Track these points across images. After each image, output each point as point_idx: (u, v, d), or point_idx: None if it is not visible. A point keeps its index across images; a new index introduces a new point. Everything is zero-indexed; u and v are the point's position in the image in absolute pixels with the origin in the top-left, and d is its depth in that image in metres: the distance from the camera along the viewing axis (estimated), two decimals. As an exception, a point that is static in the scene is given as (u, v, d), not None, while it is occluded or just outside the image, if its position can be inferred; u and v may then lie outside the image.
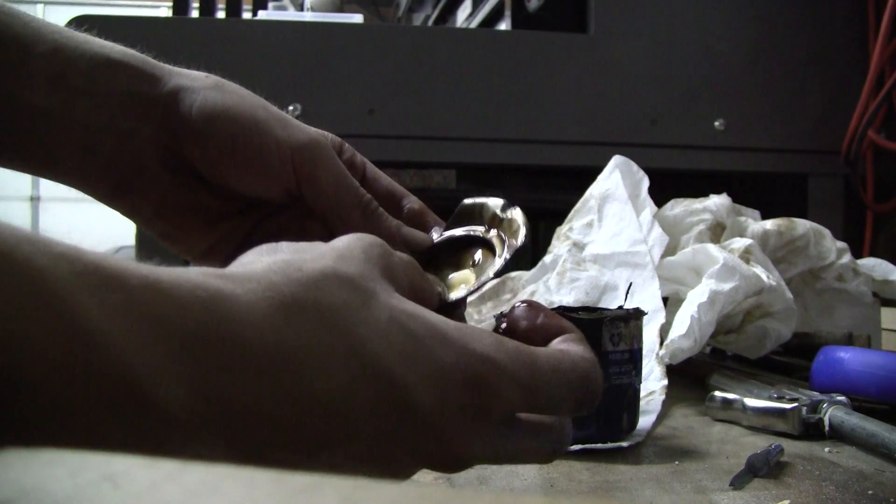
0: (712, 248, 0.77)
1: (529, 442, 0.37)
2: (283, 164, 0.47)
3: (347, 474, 0.33)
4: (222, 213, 0.50)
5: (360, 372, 0.32)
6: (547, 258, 0.91)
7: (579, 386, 0.37)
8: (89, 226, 6.51)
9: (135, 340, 0.27)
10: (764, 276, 0.76)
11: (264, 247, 0.35)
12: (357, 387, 0.32)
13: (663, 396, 0.68)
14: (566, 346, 0.39)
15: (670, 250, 0.83)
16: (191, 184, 0.48)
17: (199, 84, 0.49)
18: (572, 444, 0.55)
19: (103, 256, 0.27)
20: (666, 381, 0.70)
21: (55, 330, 0.25)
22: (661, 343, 0.73)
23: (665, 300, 0.80)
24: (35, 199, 6.71)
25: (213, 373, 0.29)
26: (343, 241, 0.36)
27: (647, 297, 0.76)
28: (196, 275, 0.30)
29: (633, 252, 0.82)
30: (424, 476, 0.51)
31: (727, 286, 0.73)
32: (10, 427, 0.24)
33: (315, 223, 0.50)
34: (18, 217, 6.68)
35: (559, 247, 0.89)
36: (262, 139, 0.47)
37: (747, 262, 0.79)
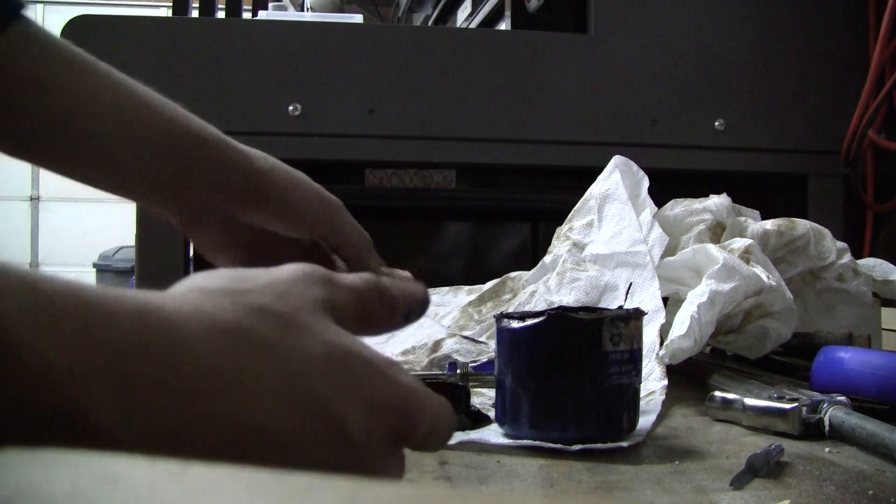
0: (712, 249, 0.77)
1: (401, 475, 0.41)
2: (322, 218, 0.56)
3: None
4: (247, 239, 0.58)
5: (297, 401, 0.33)
6: (547, 258, 0.91)
7: (447, 430, 0.42)
8: (89, 226, 6.52)
9: (61, 350, 0.27)
10: (764, 276, 0.76)
11: (207, 273, 0.36)
12: (292, 415, 0.33)
13: (663, 396, 0.68)
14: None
15: (670, 250, 0.83)
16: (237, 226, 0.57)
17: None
18: (572, 444, 0.55)
19: (31, 270, 0.27)
20: (666, 382, 0.70)
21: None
22: (661, 343, 0.73)
23: (665, 300, 0.80)
24: (35, 199, 6.71)
25: (146, 389, 0.29)
26: (287, 274, 0.38)
27: (647, 298, 0.76)
28: (129, 292, 0.31)
29: (633, 252, 0.82)
30: (424, 476, 0.51)
31: (727, 286, 0.73)
32: None
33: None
34: (18, 217, 6.68)
35: (559, 247, 0.89)
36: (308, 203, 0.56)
37: (747, 262, 0.79)
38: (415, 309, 0.44)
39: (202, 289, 0.34)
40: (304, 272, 0.38)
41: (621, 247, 0.83)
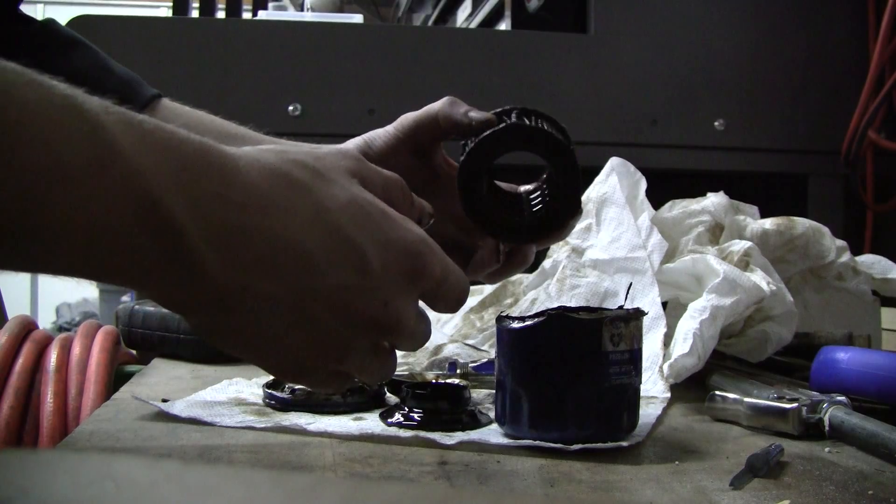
0: (712, 260, 0.77)
1: (425, 329, 0.48)
2: None
3: (316, 321, 0.43)
4: None
5: (325, 230, 0.42)
6: (546, 263, 0.91)
7: (459, 294, 0.49)
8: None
9: (149, 157, 0.36)
10: (764, 285, 0.76)
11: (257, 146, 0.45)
12: (322, 241, 0.42)
13: (664, 405, 0.68)
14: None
15: (669, 252, 0.83)
16: None
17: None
18: (572, 444, 0.55)
19: (120, 108, 0.37)
20: (668, 395, 0.70)
21: (87, 137, 0.34)
22: (664, 354, 0.73)
23: (665, 304, 0.80)
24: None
25: (207, 194, 0.38)
26: (326, 148, 0.47)
27: (646, 304, 0.76)
28: (200, 137, 0.40)
29: (632, 258, 0.82)
30: (424, 476, 0.51)
31: (728, 301, 0.73)
32: (48, 211, 0.34)
33: None
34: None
35: (558, 252, 0.89)
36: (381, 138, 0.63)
37: (746, 265, 0.79)
38: (426, 216, 0.52)
39: (254, 147, 0.43)
40: (340, 149, 0.47)
41: (620, 252, 0.83)
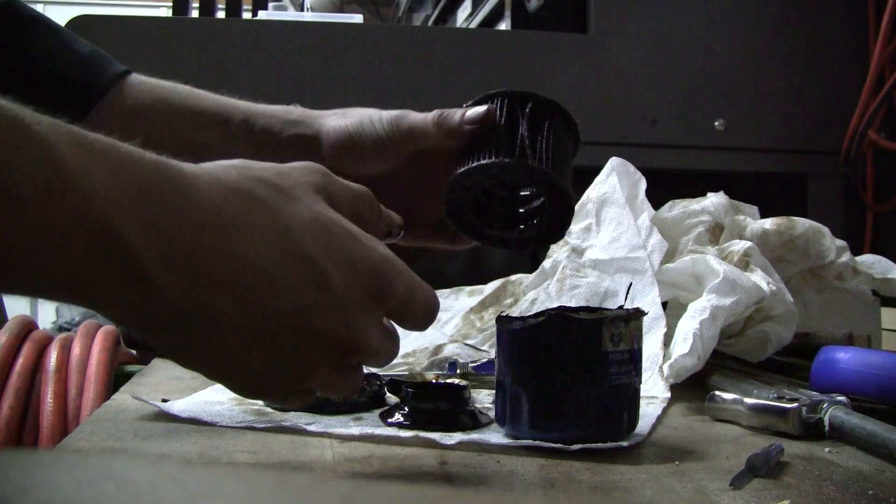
0: (712, 260, 0.77)
1: (390, 347, 0.48)
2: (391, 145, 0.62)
3: (276, 341, 0.42)
4: None
5: (285, 249, 0.41)
6: (546, 263, 0.91)
7: (427, 312, 0.48)
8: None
9: (101, 180, 0.36)
10: (764, 285, 0.76)
11: (222, 161, 0.44)
12: (282, 260, 0.41)
13: (664, 405, 0.68)
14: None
15: (669, 252, 0.83)
16: None
17: (332, 119, 0.66)
18: (572, 444, 0.55)
19: (75, 128, 0.37)
20: (668, 395, 0.70)
21: (36, 161, 0.34)
22: (664, 354, 0.73)
23: (665, 304, 0.80)
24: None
25: (163, 216, 0.38)
26: (291, 164, 0.46)
27: (646, 304, 0.76)
28: (156, 156, 0.39)
29: (632, 258, 0.82)
30: (424, 476, 0.51)
31: (728, 301, 0.73)
32: (1, 236, 0.34)
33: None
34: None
35: (558, 252, 0.89)
36: (370, 136, 0.63)
37: (746, 265, 0.79)
38: (395, 228, 0.52)
39: (215, 163, 0.43)
40: (306, 164, 0.47)
41: (620, 252, 0.83)
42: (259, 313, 0.41)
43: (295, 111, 0.67)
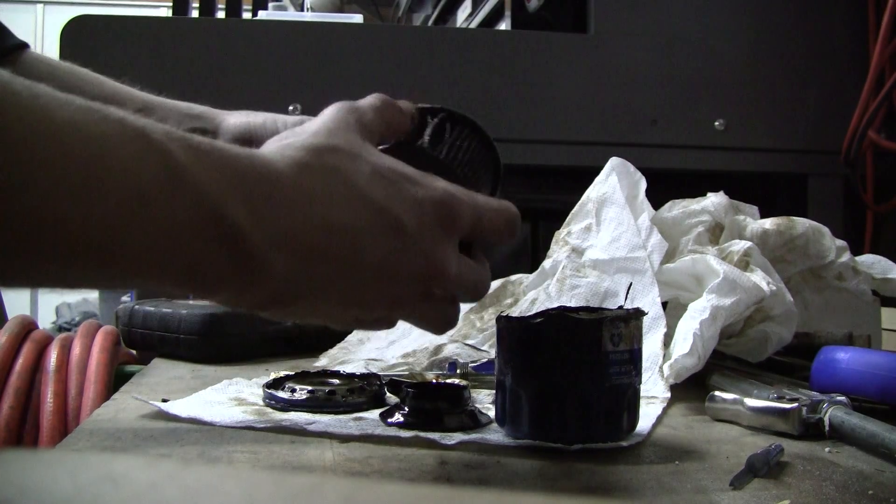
0: (712, 260, 0.77)
1: (474, 272, 0.53)
2: None
3: (356, 294, 0.48)
4: None
5: (361, 206, 0.47)
6: (546, 263, 0.91)
7: (505, 221, 0.53)
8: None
9: (210, 175, 0.41)
10: (764, 285, 0.76)
11: (273, 139, 0.49)
12: (359, 217, 0.46)
13: (664, 405, 0.68)
14: (500, 200, 0.54)
15: (669, 252, 0.83)
16: None
17: (234, 115, 0.68)
18: (572, 444, 0.55)
19: (171, 127, 0.42)
20: (668, 395, 0.70)
21: (158, 163, 0.39)
22: (664, 354, 0.73)
23: (665, 304, 0.80)
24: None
25: (261, 199, 0.43)
26: (325, 115, 0.51)
27: (646, 304, 0.76)
28: (238, 146, 0.44)
29: (632, 258, 0.82)
30: (424, 476, 0.51)
31: (728, 301, 0.73)
32: (131, 232, 0.38)
33: None
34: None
35: (558, 252, 0.89)
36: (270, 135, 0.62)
37: (746, 265, 0.79)
38: (416, 118, 0.56)
39: (277, 146, 0.47)
40: (336, 108, 0.51)
41: (620, 252, 0.83)
42: (351, 268, 0.47)
43: (198, 107, 0.67)
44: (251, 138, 0.64)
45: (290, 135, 0.49)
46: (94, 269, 0.39)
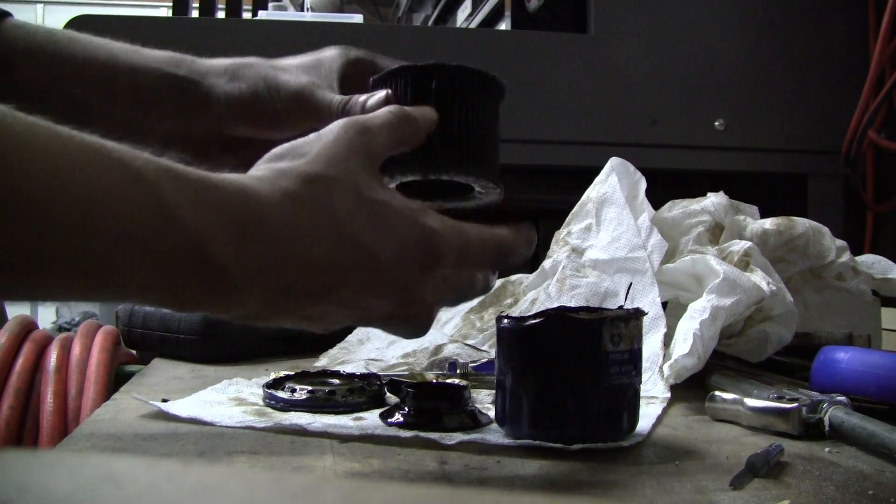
0: (712, 260, 0.77)
1: (462, 286, 0.53)
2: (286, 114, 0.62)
3: (345, 314, 0.50)
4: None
5: (341, 243, 0.47)
6: (546, 263, 0.91)
7: (494, 252, 0.53)
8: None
9: (199, 214, 0.42)
10: (764, 285, 0.76)
11: (271, 153, 0.49)
12: (340, 254, 0.47)
13: (664, 405, 0.68)
14: (495, 229, 0.54)
15: (669, 252, 0.83)
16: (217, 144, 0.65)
17: (221, 81, 0.63)
18: (572, 444, 0.55)
19: (168, 162, 0.43)
20: (668, 395, 0.70)
21: (152, 208, 0.41)
22: (664, 354, 0.73)
23: (664, 304, 0.80)
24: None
25: (249, 239, 0.44)
26: (331, 136, 0.49)
27: (646, 305, 0.76)
28: (231, 176, 0.46)
29: (632, 258, 0.82)
30: (424, 476, 0.51)
31: (728, 301, 0.73)
32: (122, 272, 0.41)
33: None
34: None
35: (558, 252, 0.89)
36: (264, 108, 0.62)
37: (746, 265, 0.79)
38: (430, 126, 0.55)
39: (269, 171, 0.47)
40: (344, 129, 0.50)
41: (620, 252, 0.83)
42: (326, 301, 0.49)
43: (182, 65, 0.63)
44: (248, 114, 0.62)
45: (290, 154, 0.49)
46: (83, 291, 0.42)
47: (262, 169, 0.48)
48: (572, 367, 0.55)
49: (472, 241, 0.52)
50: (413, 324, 0.53)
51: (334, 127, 0.50)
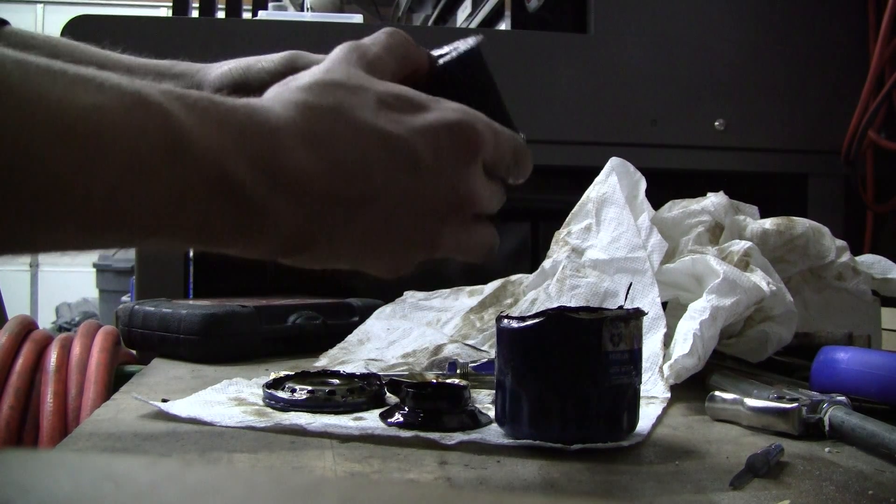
0: (712, 261, 0.77)
1: (483, 232, 0.50)
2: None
3: (380, 236, 0.45)
4: None
5: (367, 141, 0.44)
6: (546, 263, 0.91)
7: (521, 153, 0.52)
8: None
9: (209, 131, 0.40)
10: (764, 285, 0.76)
11: (272, 87, 0.47)
12: (368, 153, 0.44)
13: (664, 405, 0.68)
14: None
15: (669, 252, 0.83)
16: None
17: (213, 69, 0.64)
18: (572, 444, 0.55)
19: (168, 86, 0.41)
20: (668, 395, 0.70)
21: (158, 129, 0.38)
22: (664, 355, 0.73)
23: (664, 304, 0.80)
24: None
25: (262, 148, 0.42)
26: (329, 56, 0.48)
27: (646, 305, 0.76)
28: (236, 98, 0.43)
29: (632, 258, 0.82)
30: (424, 476, 0.51)
31: (728, 301, 0.73)
32: (135, 201, 0.38)
33: None
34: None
35: (558, 252, 0.89)
36: (256, 78, 0.61)
37: (746, 265, 0.79)
38: (431, 53, 0.53)
39: (274, 92, 0.45)
40: (342, 48, 0.49)
41: (620, 252, 0.83)
42: (368, 208, 0.44)
43: (180, 64, 0.65)
44: (236, 87, 0.61)
45: (291, 79, 0.47)
46: (101, 234, 0.39)
47: (267, 93, 0.46)
48: (572, 368, 0.55)
49: (496, 128, 0.49)
50: (482, 236, 0.49)
51: (335, 50, 0.49)
